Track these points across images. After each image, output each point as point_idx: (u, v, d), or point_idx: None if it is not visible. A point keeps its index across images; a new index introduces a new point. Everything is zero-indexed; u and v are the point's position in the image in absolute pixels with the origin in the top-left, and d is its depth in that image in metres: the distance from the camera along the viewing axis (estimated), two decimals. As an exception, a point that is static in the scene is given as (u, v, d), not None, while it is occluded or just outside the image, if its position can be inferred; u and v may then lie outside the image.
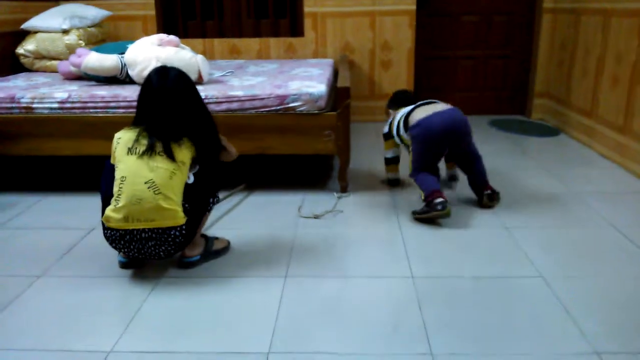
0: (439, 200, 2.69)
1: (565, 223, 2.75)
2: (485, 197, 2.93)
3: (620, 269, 2.28)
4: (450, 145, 2.91)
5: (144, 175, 2.06)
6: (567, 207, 2.94)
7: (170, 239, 2.13)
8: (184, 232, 2.14)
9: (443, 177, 3.30)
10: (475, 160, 2.99)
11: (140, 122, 2.18)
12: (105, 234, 2.17)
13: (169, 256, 2.22)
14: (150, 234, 2.10)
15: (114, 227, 2.11)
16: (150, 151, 2.08)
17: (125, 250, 2.17)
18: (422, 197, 2.79)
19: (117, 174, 2.11)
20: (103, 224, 2.16)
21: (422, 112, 2.88)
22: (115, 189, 2.10)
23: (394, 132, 3.09)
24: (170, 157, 2.08)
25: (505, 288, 2.15)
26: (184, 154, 2.13)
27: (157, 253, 2.16)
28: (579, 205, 2.96)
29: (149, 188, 2.05)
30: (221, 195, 2.83)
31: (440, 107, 2.90)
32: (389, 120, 3.20)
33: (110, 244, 2.18)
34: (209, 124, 2.27)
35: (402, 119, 2.98)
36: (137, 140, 2.11)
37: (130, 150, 2.10)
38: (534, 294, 2.10)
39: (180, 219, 2.11)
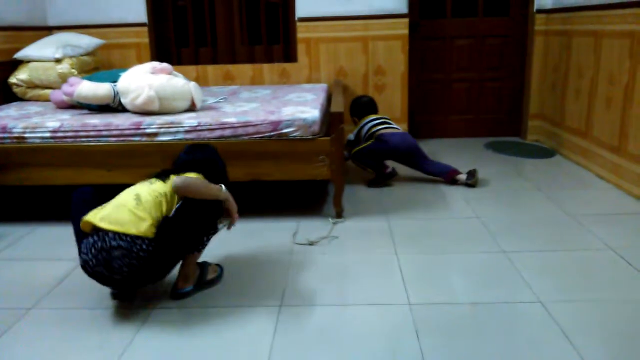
0: (390, 169, 3.77)
1: (563, 246, 2.72)
2: (467, 176, 3.71)
3: (619, 292, 2.25)
4: (401, 157, 3.82)
5: (136, 192, 2.17)
6: (564, 230, 2.92)
7: (135, 250, 2.04)
8: (150, 249, 2.06)
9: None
10: (429, 163, 3.84)
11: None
12: (80, 257, 2.13)
13: (131, 277, 2.09)
14: (119, 241, 2.03)
15: (85, 227, 2.13)
16: (154, 177, 2.25)
17: (94, 263, 2.06)
18: (373, 171, 3.78)
19: None
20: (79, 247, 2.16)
21: (389, 130, 3.80)
22: None
23: (362, 137, 3.87)
24: (163, 180, 2.21)
25: (503, 314, 2.11)
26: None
27: (122, 265, 2.04)
28: (576, 228, 2.93)
29: (134, 199, 2.14)
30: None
31: (396, 129, 3.85)
32: (355, 131, 3.97)
33: (82, 265, 2.12)
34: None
35: (370, 129, 3.83)
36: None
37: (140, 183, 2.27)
38: (532, 319, 2.07)
39: (146, 229, 2.06)
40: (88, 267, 2.10)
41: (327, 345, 1.95)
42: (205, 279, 2.38)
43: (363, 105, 4.11)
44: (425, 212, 3.24)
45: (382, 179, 3.78)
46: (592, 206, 3.25)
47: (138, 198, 2.13)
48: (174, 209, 2.16)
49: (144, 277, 2.15)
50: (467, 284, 2.37)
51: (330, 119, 3.02)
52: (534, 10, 4.72)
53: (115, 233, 2.05)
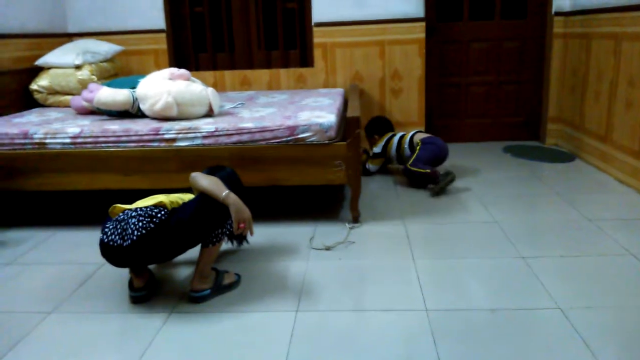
0: (441, 173, 3.68)
1: (582, 251, 2.69)
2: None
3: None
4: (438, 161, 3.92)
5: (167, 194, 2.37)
6: (583, 235, 2.88)
7: (152, 214, 2.19)
8: (164, 218, 2.19)
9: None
10: None
11: None
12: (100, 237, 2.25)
13: (140, 244, 2.14)
14: (139, 212, 2.20)
15: (113, 212, 2.30)
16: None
17: (110, 233, 2.19)
18: (427, 173, 3.68)
19: None
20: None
21: (425, 134, 3.99)
22: None
23: (392, 153, 4.05)
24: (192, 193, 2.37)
25: (521, 320, 2.09)
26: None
27: (135, 229, 2.15)
28: (596, 233, 2.90)
29: (164, 195, 2.34)
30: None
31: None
32: (382, 144, 4.10)
33: (100, 241, 2.23)
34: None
35: (408, 140, 3.97)
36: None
37: None
38: (551, 326, 2.04)
39: (167, 202, 2.27)
40: (104, 238, 2.21)
41: (344, 350, 1.95)
42: (222, 283, 2.39)
43: (385, 122, 4.33)
44: (443, 217, 3.23)
45: (440, 181, 3.64)
46: (612, 211, 3.21)
47: (167, 195, 2.33)
48: None
49: (152, 248, 2.19)
50: (485, 289, 2.35)
51: (346, 124, 3.02)
52: (552, 12, 4.69)
53: (138, 207, 2.23)
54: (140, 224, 2.15)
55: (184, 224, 2.18)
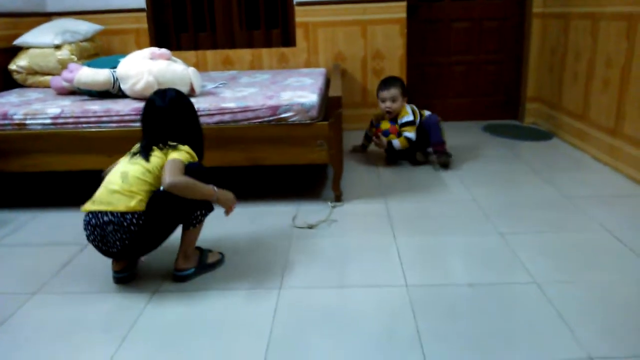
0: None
1: (559, 228, 2.75)
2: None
3: (614, 273, 2.29)
4: None
5: (122, 170, 2.21)
6: (560, 212, 2.95)
7: (125, 224, 2.11)
8: (141, 222, 2.13)
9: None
10: None
11: (143, 138, 2.34)
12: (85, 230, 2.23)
13: (126, 249, 2.17)
14: (110, 217, 2.13)
15: (85, 211, 2.20)
16: (137, 153, 2.26)
17: (92, 238, 2.18)
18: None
19: None
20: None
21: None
22: None
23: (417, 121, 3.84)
24: (146, 157, 2.20)
25: (499, 295, 2.15)
26: (159, 163, 2.20)
27: (115, 240, 2.13)
28: (573, 210, 2.97)
29: (120, 177, 2.19)
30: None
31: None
32: (412, 110, 3.85)
33: (87, 237, 2.22)
34: (197, 139, 2.39)
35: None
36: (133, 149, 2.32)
37: (125, 155, 2.32)
38: (528, 300, 2.11)
39: (135, 204, 2.12)
40: (88, 239, 2.22)
41: (326, 326, 1.99)
42: (206, 262, 2.42)
43: None
44: (423, 195, 3.28)
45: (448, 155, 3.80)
46: (589, 188, 3.29)
47: (124, 176, 2.18)
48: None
49: (139, 248, 2.23)
50: (464, 265, 2.40)
51: (328, 103, 3.04)
52: (532, -8, 4.73)
53: (106, 211, 2.14)
54: (118, 234, 2.13)
55: (162, 216, 2.19)
